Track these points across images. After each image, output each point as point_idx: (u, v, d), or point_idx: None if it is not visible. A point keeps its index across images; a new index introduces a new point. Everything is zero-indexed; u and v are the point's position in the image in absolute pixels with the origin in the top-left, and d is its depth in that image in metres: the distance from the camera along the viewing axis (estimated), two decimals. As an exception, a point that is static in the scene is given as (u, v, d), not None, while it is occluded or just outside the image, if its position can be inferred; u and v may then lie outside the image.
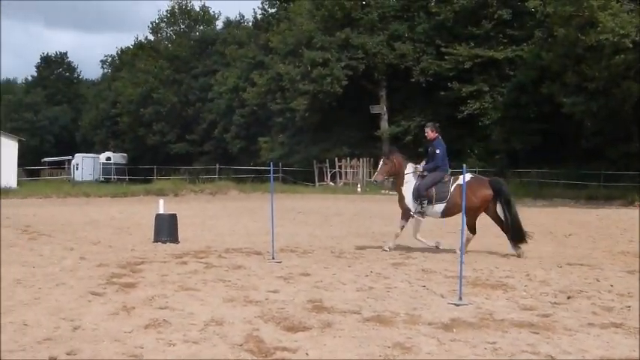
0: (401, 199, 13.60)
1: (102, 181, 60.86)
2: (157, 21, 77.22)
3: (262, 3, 67.00)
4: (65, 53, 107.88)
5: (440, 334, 6.76)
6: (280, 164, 47.72)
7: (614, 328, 7.21)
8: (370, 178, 50.76)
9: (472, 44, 44.16)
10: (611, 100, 33.76)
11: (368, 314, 7.63)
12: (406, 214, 13.50)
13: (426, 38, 47.87)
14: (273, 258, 11.90)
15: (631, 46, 29.45)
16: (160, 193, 35.96)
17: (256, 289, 9.17)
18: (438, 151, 13.32)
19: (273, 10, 65.13)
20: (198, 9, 75.97)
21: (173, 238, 14.86)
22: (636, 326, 7.29)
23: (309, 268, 11.07)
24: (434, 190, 13.20)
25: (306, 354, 6.02)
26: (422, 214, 13.32)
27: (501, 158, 42.92)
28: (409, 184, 13.42)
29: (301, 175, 51.50)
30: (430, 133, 13.52)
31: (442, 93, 45.25)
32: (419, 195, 13.19)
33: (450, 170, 13.88)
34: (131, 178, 60.04)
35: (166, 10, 76.56)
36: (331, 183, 49.87)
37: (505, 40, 44.17)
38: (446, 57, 44.97)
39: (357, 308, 7.95)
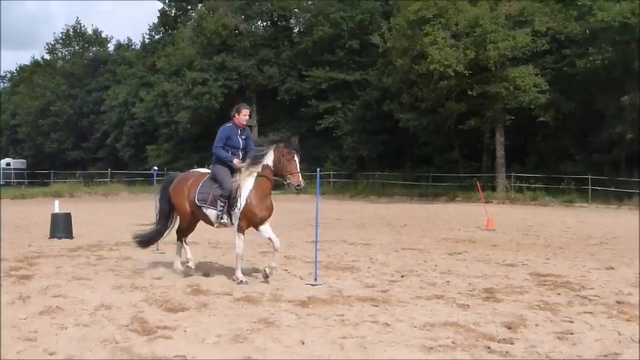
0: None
1: (2, 185, 56.66)
2: (52, 42, 73.42)
3: (149, 29, 65.50)
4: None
5: (298, 310, 6.89)
6: (165, 169, 46.59)
7: (436, 299, 7.58)
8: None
9: (328, 69, 44.89)
10: (437, 117, 35.33)
11: (239, 295, 7.67)
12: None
13: (289, 63, 48.24)
14: (157, 249, 11.66)
15: (453, 74, 30.72)
16: (57, 195, 33.97)
17: (142, 276, 8.99)
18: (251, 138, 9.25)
19: (159, 36, 63.72)
20: (91, 32, 73.00)
21: (68, 234, 14.27)
22: (453, 297, 7.70)
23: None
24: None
25: (185, 331, 5.99)
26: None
27: (352, 163, 43.91)
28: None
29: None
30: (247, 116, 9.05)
31: (303, 109, 45.84)
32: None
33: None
34: (30, 182, 56.55)
35: (61, 32, 73.11)
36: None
37: (354, 66, 45.11)
38: (306, 79, 45.48)
39: (229, 290, 7.96)
